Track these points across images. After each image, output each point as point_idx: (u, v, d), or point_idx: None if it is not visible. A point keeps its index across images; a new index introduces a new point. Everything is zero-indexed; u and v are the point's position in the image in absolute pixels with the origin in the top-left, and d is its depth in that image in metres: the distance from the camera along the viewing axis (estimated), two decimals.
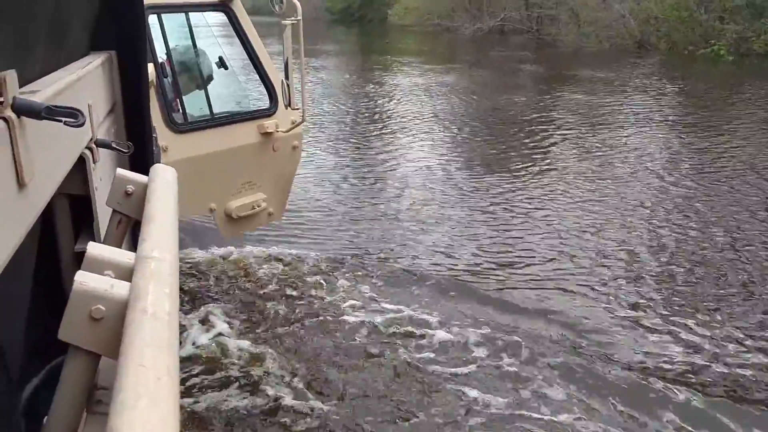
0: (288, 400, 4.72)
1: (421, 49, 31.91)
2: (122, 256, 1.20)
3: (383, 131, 13.70)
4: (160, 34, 5.68)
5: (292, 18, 5.53)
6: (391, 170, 10.63)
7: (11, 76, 1.08)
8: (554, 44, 30.41)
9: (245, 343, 5.43)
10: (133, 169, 2.05)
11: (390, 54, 29.35)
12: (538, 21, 35.46)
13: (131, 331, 0.85)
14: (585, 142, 12.39)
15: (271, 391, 4.80)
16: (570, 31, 31.19)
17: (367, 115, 15.47)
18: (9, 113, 1.05)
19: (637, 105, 16.00)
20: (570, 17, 32.00)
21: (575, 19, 31.65)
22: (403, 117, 14.93)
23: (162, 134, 5.16)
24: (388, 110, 15.92)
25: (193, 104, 6.06)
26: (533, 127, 13.71)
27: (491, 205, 8.93)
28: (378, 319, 5.82)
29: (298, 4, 5.60)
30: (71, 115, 1.15)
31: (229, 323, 5.74)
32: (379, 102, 17.14)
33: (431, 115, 15.23)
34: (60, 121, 1.14)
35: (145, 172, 1.81)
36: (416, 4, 43.17)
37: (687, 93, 17.63)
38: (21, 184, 1.09)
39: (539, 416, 4.56)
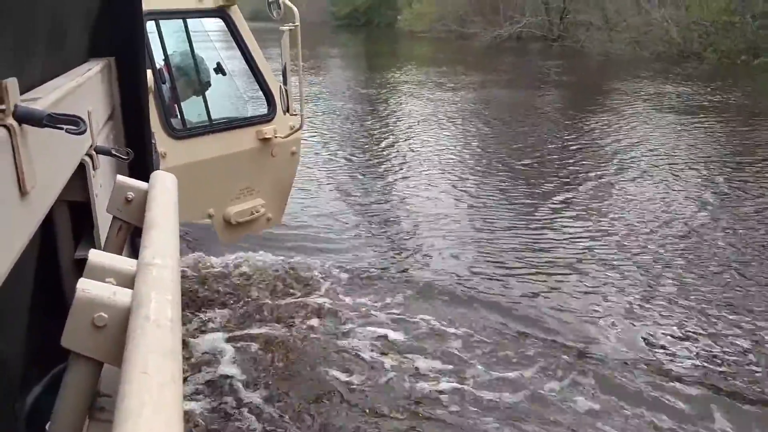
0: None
1: (437, 57, 29.64)
2: (124, 263, 1.20)
3: (393, 149, 12.74)
4: (158, 41, 5.68)
5: (290, 24, 5.55)
6: (401, 195, 9.84)
7: (12, 83, 1.08)
8: (583, 52, 28.37)
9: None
10: (132, 175, 2.05)
11: (402, 62, 27.78)
12: (561, 27, 33.47)
13: (134, 339, 0.85)
14: (637, 165, 10.97)
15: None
16: (602, 37, 28.91)
17: (376, 131, 14.55)
18: (11, 121, 1.05)
19: (701, 124, 14.03)
20: (604, 23, 29.69)
21: (607, 25, 29.45)
22: (414, 136, 13.47)
23: (160, 140, 5.17)
24: (400, 128, 14.69)
25: (192, 110, 6.06)
26: (571, 146, 12.48)
27: (510, 225, 8.47)
28: (381, 330, 5.84)
29: (295, 9, 5.62)
30: (72, 123, 1.15)
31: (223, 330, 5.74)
32: (389, 118, 16.05)
33: (452, 137, 13.48)
34: (61, 128, 1.14)
35: (145, 179, 1.81)
36: (427, 9, 41.55)
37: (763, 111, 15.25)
38: (23, 192, 1.09)
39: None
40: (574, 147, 12.40)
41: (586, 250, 7.52)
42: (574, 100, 18.45)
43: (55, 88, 1.53)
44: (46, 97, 1.37)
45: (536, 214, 8.78)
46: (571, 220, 8.51)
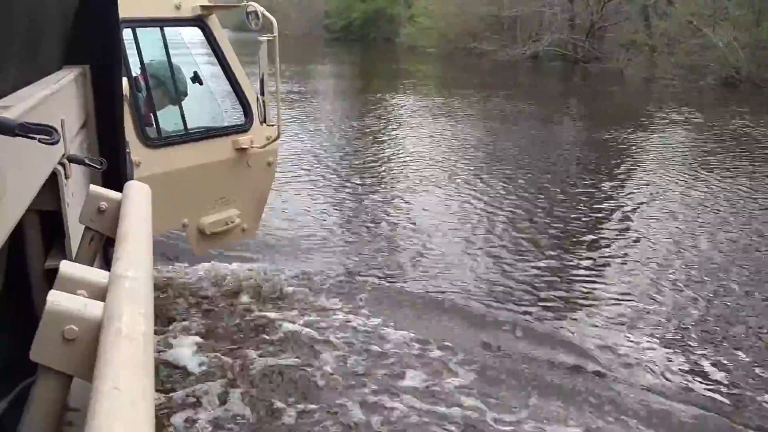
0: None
1: (451, 78, 26.83)
2: (96, 275, 1.19)
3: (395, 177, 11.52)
4: (135, 49, 5.64)
5: (268, 34, 5.54)
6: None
7: None
8: (623, 76, 25.02)
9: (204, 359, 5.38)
10: (105, 185, 2.03)
11: (411, 82, 25.01)
12: (586, 46, 30.37)
13: (105, 353, 0.84)
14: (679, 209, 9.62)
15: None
16: (646, 59, 25.80)
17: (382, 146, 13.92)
18: None
19: None
20: (648, 42, 26.49)
21: (652, 45, 26.46)
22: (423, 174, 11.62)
23: (135, 149, 5.11)
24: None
25: (167, 119, 6.01)
26: (608, 184, 11.01)
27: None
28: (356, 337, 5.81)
29: (274, 20, 5.61)
30: (45, 133, 1.14)
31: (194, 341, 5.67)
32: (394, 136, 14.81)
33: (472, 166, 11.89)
34: (34, 138, 1.13)
35: (119, 189, 1.80)
36: (434, 24, 38.92)
37: None
38: None
39: None
40: (611, 184, 11.14)
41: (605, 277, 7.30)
42: (615, 133, 15.44)
43: (28, 96, 1.51)
44: (18, 105, 1.35)
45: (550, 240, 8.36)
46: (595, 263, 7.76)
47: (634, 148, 13.99)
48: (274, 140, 6.06)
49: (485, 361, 5.51)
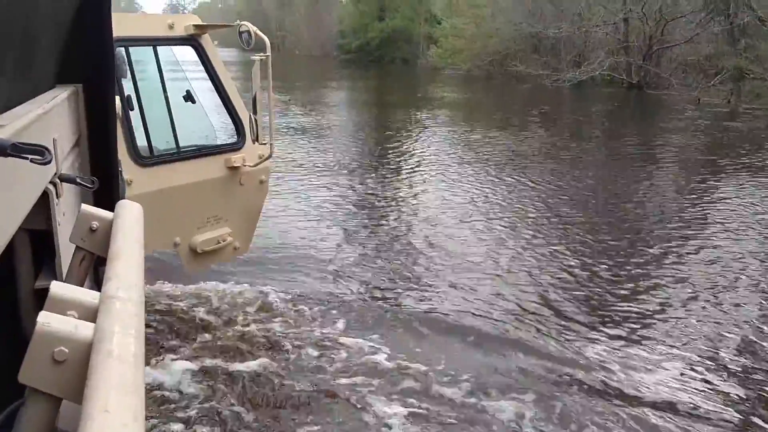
0: None
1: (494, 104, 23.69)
2: (86, 295, 1.18)
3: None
4: (127, 67, 5.64)
5: (261, 54, 5.57)
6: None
7: None
8: (700, 105, 21.89)
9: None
10: (97, 204, 2.02)
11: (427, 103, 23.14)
12: (643, 69, 27.12)
13: (96, 375, 0.83)
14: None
15: None
16: (740, 87, 21.60)
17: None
18: None
19: None
20: (745, 66, 21.85)
21: (736, 70, 22.48)
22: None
23: (127, 168, 5.10)
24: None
25: (160, 138, 6.00)
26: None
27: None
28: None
29: (267, 39, 5.64)
30: (38, 153, 1.14)
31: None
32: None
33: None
34: (26, 158, 1.13)
35: (110, 208, 1.79)
36: (464, 44, 36.23)
37: None
38: None
39: None
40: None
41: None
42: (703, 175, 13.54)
43: (20, 114, 1.51)
44: (10, 125, 1.35)
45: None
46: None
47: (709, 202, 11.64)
48: (267, 159, 6.06)
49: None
